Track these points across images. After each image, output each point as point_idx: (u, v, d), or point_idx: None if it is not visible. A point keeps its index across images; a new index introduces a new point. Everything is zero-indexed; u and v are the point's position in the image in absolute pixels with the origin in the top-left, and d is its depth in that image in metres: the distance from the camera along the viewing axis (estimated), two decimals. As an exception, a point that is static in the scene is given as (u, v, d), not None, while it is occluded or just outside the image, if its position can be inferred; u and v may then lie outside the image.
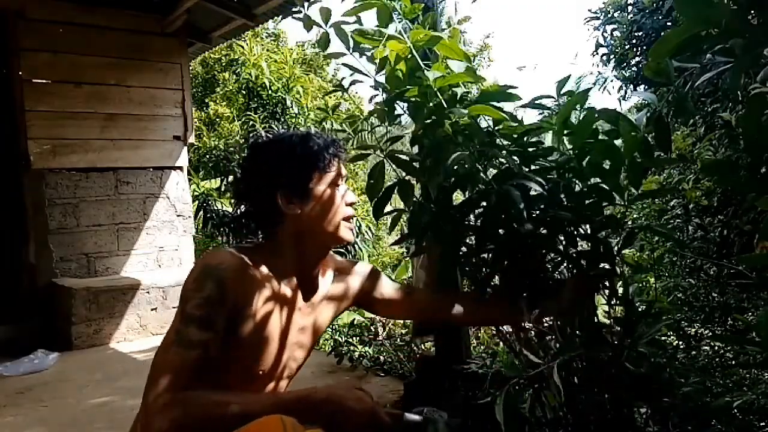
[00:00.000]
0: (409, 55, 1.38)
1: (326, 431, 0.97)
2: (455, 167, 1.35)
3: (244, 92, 7.25)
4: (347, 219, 1.22)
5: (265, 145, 1.20)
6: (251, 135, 7.37)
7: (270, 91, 7.02)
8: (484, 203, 1.37)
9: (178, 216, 4.61)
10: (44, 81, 3.96)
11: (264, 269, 1.13)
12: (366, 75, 1.52)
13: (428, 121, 1.41)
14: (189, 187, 4.81)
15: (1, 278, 4.05)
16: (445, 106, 1.35)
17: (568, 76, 1.37)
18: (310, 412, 0.98)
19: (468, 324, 1.50)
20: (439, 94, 1.34)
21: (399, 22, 1.42)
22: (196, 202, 6.28)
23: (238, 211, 1.20)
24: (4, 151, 4.00)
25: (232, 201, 1.27)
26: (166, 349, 1.00)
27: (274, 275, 1.15)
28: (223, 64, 8.61)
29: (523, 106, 1.42)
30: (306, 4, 1.57)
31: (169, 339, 1.01)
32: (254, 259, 1.12)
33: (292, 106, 6.96)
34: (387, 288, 1.39)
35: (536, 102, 1.42)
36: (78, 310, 3.67)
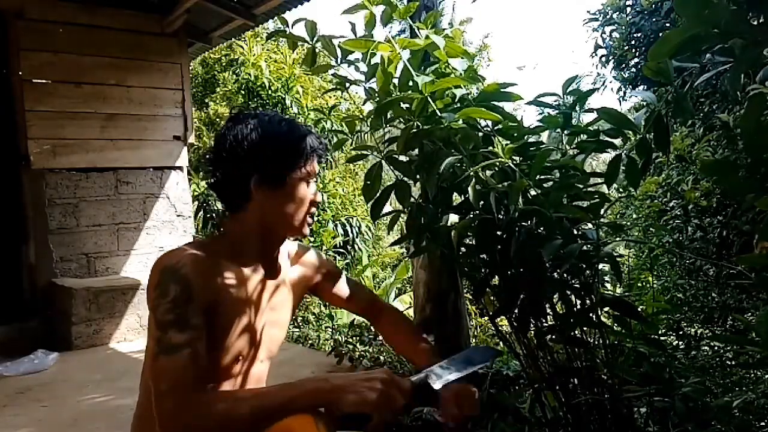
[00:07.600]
0: (403, 59, 1.35)
1: (352, 411, 0.94)
2: (450, 170, 1.34)
3: (243, 92, 7.23)
4: (310, 216, 1.21)
5: (251, 122, 1.15)
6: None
7: (270, 91, 7.02)
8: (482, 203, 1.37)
9: (178, 216, 4.61)
10: (44, 81, 3.96)
11: (225, 257, 1.13)
12: (356, 84, 1.51)
13: (418, 129, 1.38)
14: (189, 187, 4.81)
15: (1, 278, 4.04)
16: (437, 111, 1.33)
17: (575, 76, 1.37)
18: (325, 401, 0.95)
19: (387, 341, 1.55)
20: (430, 99, 1.32)
21: (395, 23, 1.41)
22: (196, 202, 6.27)
23: (212, 180, 1.18)
24: (4, 151, 3.99)
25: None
26: (154, 361, 0.98)
27: (237, 261, 1.15)
28: (223, 64, 8.60)
29: (527, 104, 1.43)
30: (290, 22, 1.51)
31: (153, 350, 0.99)
32: (213, 249, 1.12)
33: (291, 106, 6.95)
34: (336, 284, 1.41)
35: (539, 100, 1.42)
36: (78, 310, 3.67)
